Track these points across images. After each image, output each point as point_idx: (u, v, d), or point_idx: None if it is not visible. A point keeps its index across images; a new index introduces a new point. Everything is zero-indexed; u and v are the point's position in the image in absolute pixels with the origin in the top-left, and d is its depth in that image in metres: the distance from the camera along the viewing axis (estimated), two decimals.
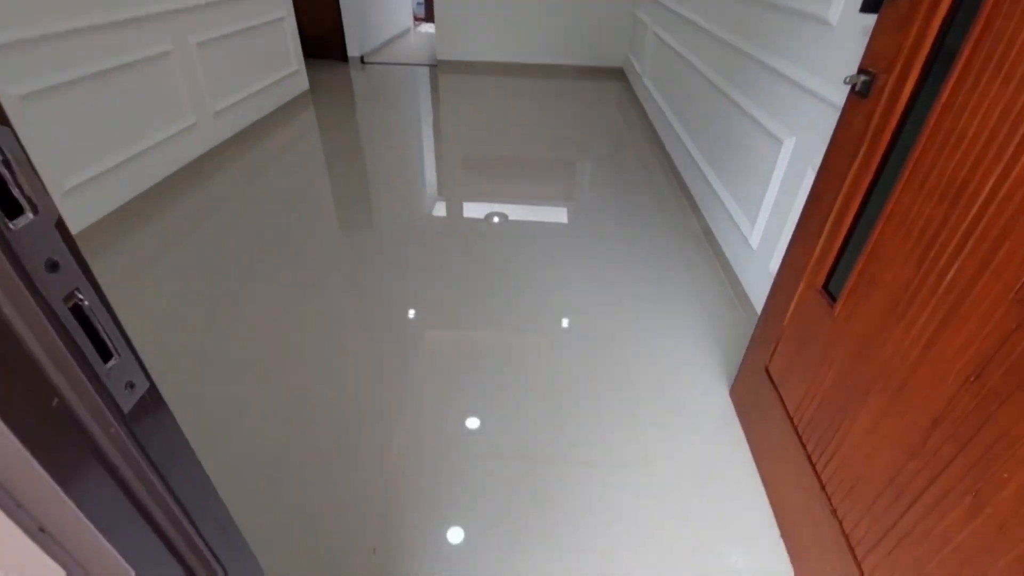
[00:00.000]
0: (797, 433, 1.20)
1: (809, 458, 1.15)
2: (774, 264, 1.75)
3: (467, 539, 1.24)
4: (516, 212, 2.66)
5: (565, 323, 1.90)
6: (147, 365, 0.50)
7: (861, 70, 1.00)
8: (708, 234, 2.45)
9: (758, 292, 1.87)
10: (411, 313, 1.91)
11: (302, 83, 4.14)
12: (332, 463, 1.39)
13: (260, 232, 2.37)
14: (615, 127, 3.89)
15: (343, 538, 1.23)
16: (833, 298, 1.10)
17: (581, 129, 3.82)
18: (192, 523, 0.57)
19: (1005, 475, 0.67)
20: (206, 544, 0.60)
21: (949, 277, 0.78)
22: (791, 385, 1.25)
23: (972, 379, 0.73)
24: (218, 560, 0.64)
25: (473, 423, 1.52)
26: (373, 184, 2.91)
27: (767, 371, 1.38)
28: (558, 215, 2.66)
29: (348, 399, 1.58)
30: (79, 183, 2.17)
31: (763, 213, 1.88)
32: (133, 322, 1.82)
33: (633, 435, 1.51)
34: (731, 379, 1.68)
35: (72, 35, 2.08)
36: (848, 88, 1.04)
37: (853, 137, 1.04)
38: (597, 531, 1.27)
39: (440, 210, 2.66)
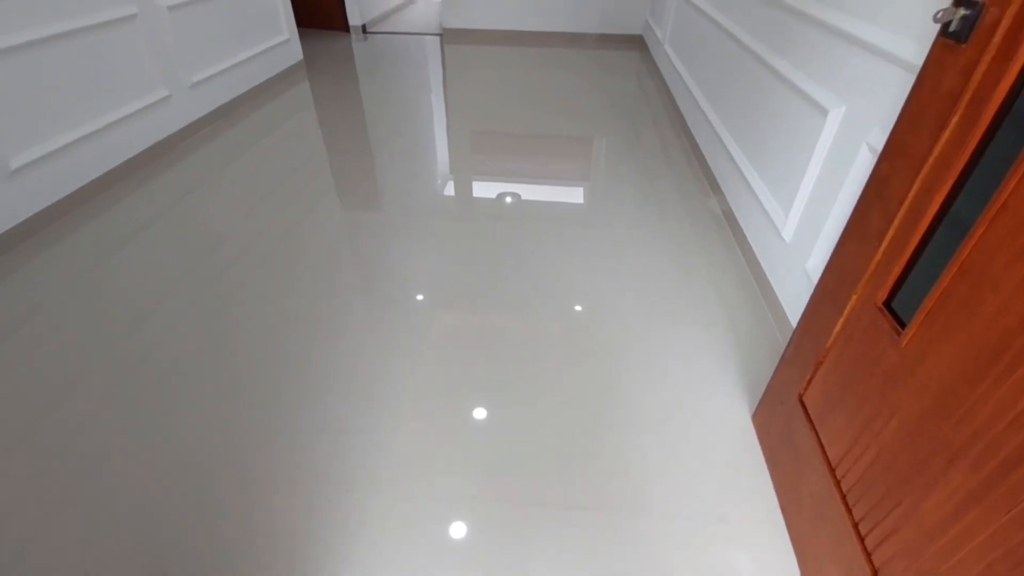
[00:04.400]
0: (840, 491, 0.93)
1: (856, 528, 0.88)
2: (813, 264, 1.45)
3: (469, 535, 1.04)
4: (529, 192, 2.41)
5: (577, 308, 1.71)
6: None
7: (959, 1, 0.70)
8: (730, 217, 2.14)
9: (791, 295, 1.57)
10: (419, 297, 1.74)
11: (295, 53, 3.85)
12: (333, 459, 1.20)
13: (248, 214, 2.15)
14: (632, 99, 3.54)
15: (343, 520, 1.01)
16: (901, 322, 0.81)
17: (597, 102, 3.48)
18: None
19: None
20: None
21: None
22: (833, 426, 0.97)
23: None
24: None
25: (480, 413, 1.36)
26: (378, 163, 2.64)
27: (801, 400, 1.10)
28: (573, 195, 2.39)
29: (350, 387, 1.41)
30: (28, 162, 1.95)
31: (799, 200, 1.56)
32: (91, 320, 1.61)
33: (633, 464, 1.25)
34: (753, 396, 1.41)
35: None
36: (936, 30, 0.74)
37: (941, 99, 0.74)
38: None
39: (450, 190, 2.43)
